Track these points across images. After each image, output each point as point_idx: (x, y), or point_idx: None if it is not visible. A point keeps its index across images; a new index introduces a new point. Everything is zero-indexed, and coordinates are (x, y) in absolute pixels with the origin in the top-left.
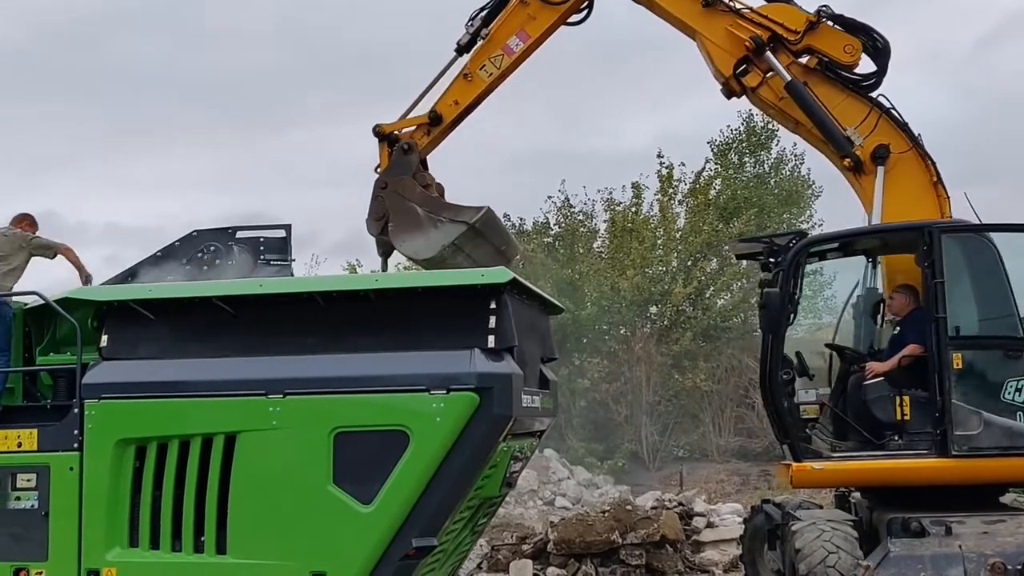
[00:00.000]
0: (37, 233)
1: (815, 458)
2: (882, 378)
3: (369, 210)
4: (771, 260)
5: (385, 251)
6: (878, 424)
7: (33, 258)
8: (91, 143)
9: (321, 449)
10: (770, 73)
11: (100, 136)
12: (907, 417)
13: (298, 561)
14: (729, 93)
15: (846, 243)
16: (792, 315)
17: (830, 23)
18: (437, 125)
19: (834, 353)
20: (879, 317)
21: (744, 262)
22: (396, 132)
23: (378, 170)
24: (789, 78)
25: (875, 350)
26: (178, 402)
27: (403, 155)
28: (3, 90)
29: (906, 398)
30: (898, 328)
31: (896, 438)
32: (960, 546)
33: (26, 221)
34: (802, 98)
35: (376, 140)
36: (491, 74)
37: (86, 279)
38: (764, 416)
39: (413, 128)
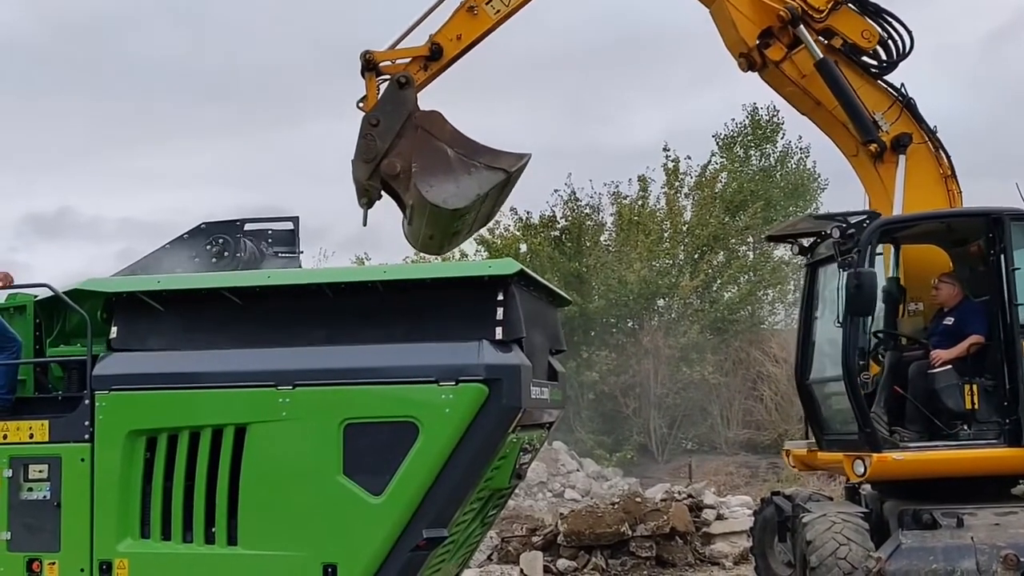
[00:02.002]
0: None
1: (893, 448)
2: (950, 366)
3: (356, 151)
4: (841, 241)
5: (369, 200)
6: (947, 413)
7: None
8: (106, 138)
9: (331, 440)
10: (795, 49)
11: (115, 131)
12: (976, 406)
13: (308, 552)
14: (748, 65)
15: (910, 227)
16: None
17: (851, 6)
18: (436, 60)
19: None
20: (901, 306)
21: (751, 254)
22: (389, 63)
23: (361, 105)
24: (821, 55)
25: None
26: (188, 393)
27: (398, 90)
28: (22, 85)
29: (975, 386)
30: (952, 319)
31: (965, 427)
32: (972, 538)
33: None
34: (833, 77)
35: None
36: (498, 11)
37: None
38: (772, 409)
39: (408, 60)
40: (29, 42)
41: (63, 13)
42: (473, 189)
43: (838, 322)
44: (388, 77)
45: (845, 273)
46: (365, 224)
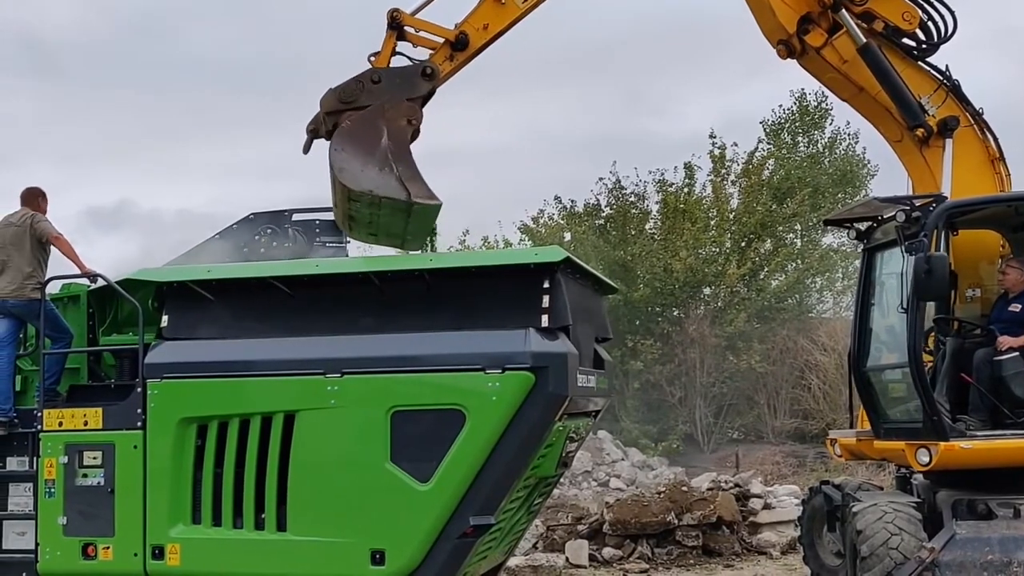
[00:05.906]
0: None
1: (960, 437)
2: (1017, 353)
3: (339, 86)
4: (906, 225)
5: (315, 131)
6: (1014, 401)
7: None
8: (164, 130)
9: (379, 428)
10: (836, 34)
11: (173, 124)
12: None
13: (357, 538)
14: (787, 53)
15: (976, 210)
16: None
17: None
18: (462, 50)
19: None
20: (954, 292)
21: (799, 242)
22: (412, 30)
23: (373, 60)
24: (864, 40)
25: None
26: (238, 381)
27: (422, 78)
28: (80, 79)
29: None
30: (1020, 305)
31: None
32: None
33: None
34: (877, 61)
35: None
36: (526, 0)
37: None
38: (820, 398)
39: (440, 41)
40: (88, 37)
41: (121, 8)
42: (368, 183)
43: (902, 308)
44: (405, 43)
45: (911, 257)
46: (306, 152)
